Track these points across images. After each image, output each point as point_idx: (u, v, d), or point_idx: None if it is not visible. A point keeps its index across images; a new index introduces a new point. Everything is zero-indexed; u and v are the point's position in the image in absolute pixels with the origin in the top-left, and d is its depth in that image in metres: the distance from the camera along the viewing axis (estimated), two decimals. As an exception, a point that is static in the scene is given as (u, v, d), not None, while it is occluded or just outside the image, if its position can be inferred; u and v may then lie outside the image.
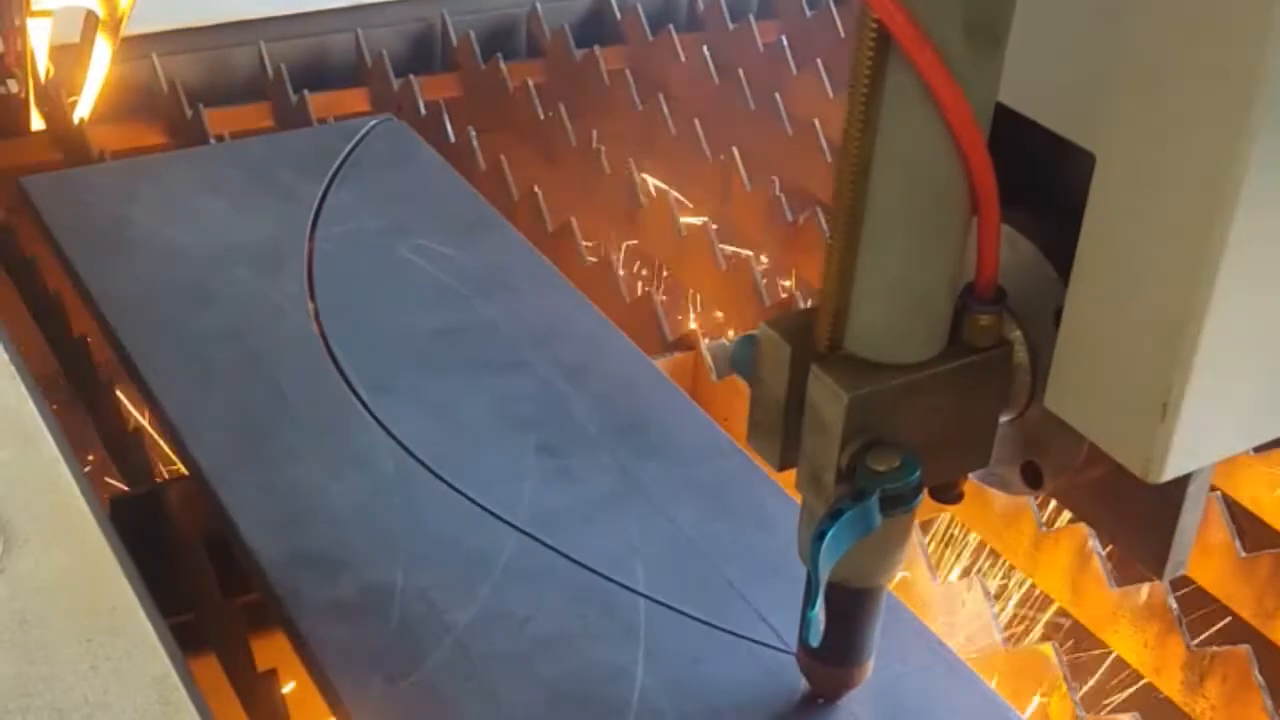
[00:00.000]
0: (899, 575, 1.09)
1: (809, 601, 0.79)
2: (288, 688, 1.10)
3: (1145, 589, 1.16)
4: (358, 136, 1.55)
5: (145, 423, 1.39)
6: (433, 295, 1.34)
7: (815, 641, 0.81)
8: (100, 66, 1.72)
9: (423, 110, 1.85)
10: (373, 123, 1.58)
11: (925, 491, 0.84)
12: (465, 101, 1.97)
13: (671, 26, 2.04)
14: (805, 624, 0.80)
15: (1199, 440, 0.72)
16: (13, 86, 1.74)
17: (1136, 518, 0.81)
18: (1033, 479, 0.83)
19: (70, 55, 1.74)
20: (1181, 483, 0.77)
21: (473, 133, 1.76)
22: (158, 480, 1.22)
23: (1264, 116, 0.63)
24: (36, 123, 1.79)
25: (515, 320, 1.31)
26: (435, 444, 1.15)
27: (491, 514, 1.09)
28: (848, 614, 0.89)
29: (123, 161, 1.60)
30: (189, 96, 1.82)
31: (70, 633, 0.93)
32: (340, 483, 1.12)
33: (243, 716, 1.08)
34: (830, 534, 0.76)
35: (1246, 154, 0.63)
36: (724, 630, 1.02)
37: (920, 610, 1.08)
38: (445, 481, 1.12)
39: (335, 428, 1.17)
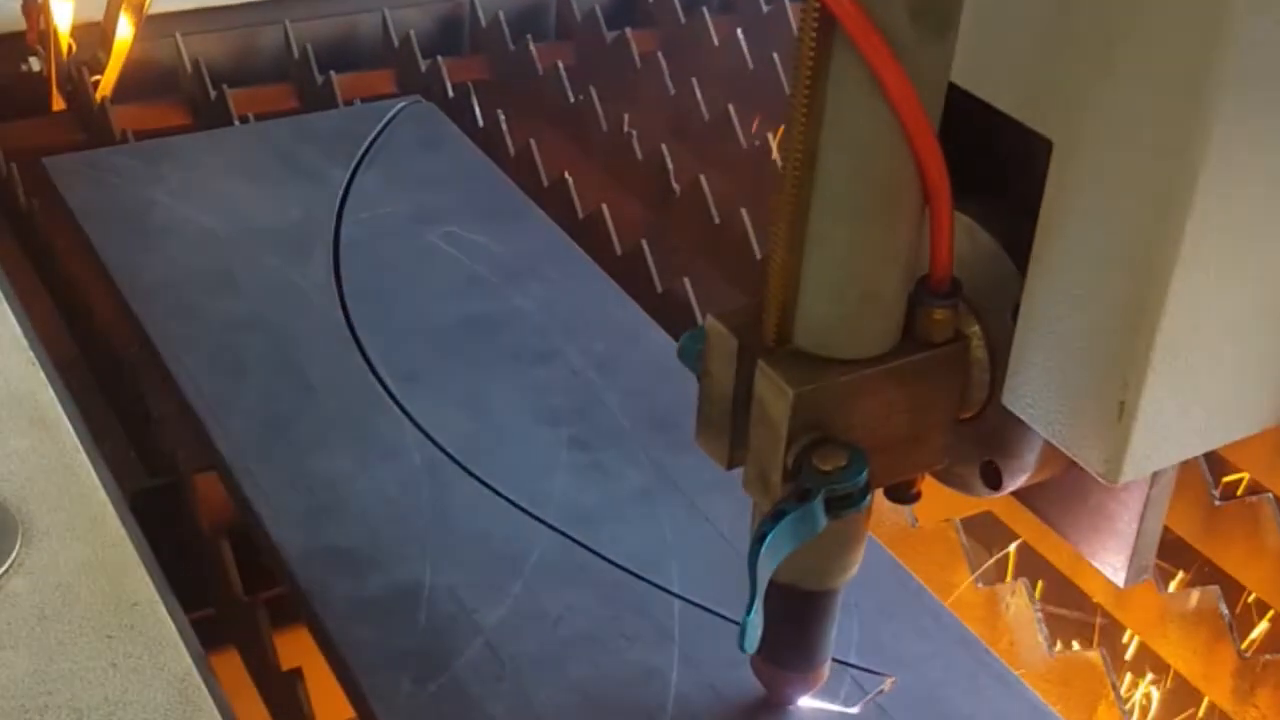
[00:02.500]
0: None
1: (748, 606, 0.76)
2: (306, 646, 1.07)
3: (1195, 594, 1.13)
4: (386, 119, 1.52)
5: (167, 411, 1.36)
6: (462, 283, 1.32)
7: (750, 649, 0.78)
8: (123, 45, 1.70)
9: (450, 92, 1.82)
10: (401, 105, 1.55)
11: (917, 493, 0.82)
12: (493, 84, 1.94)
13: (705, 8, 2.00)
14: (741, 629, 0.76)
15: (1159, 441, 0.69)
16: (35, 65, 1.71)
17: (1098, 521, 0.79)
18: (992, 479, 0.80)
19: (93, 34, 1.72)
20: (1144, 485, 0.75)
21: (501, 116, 1.73)
22: (180, 471, 1.19)
23: (1222, 104, 0.61)
24: (58, 102, 1.76)
25: (546, 310, 1.29)
26: (464, 437, 1.13)
27: (522, 510, 1.07)
28: (802, 618, 0.86)
29: (146, 143, 1.57)
30: (213, 76, 1.80)
31: (90, 629, 0.91)
32: (367, 475, 1.09)
33: (265, 715, 1.06)
34: (771, 536, 0.73)
35: (1205, 143, 0.61)
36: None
37: (963, 615, 1.04)
38: (475, 476, 1.09)
39: (362, 419, 1.15)
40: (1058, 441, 0.72)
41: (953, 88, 0.71)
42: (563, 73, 1.85)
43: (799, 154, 0.69)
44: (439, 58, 1.86)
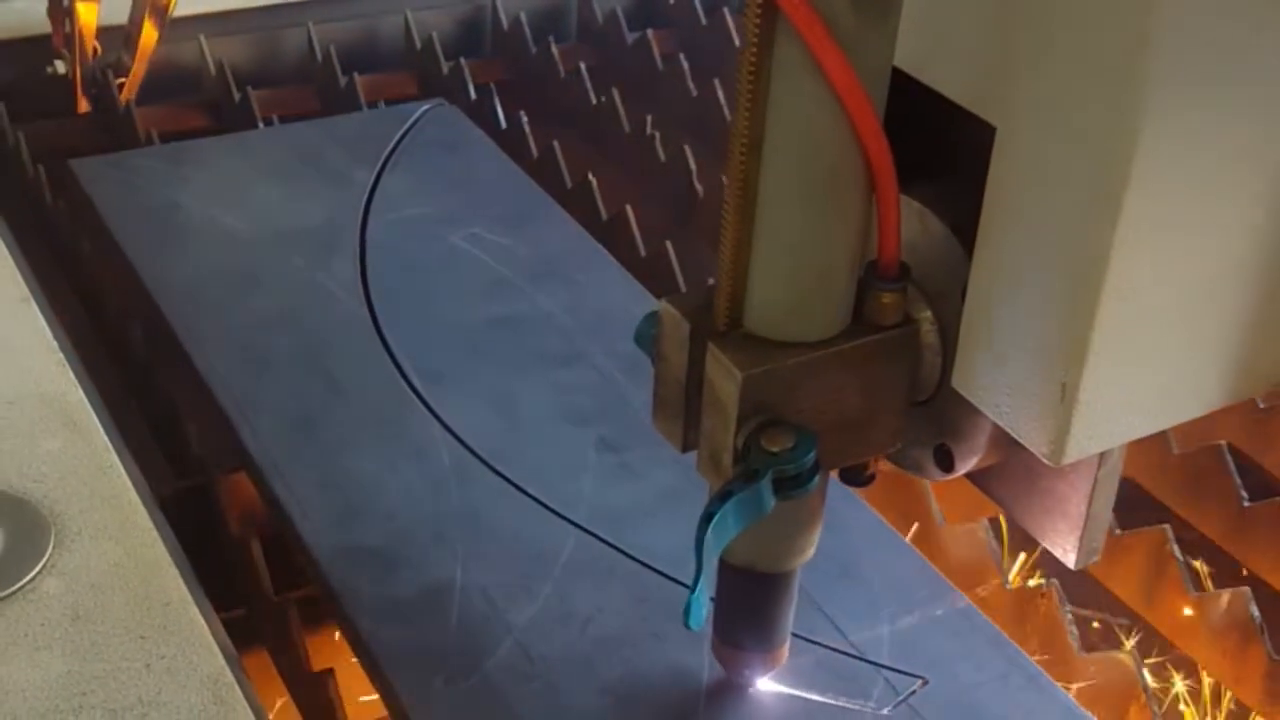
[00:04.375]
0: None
1: (692, 584, 0.77)
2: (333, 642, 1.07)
3: (1225, 596, 1.12)
4: (410, 121, 1.52)
5: (196, 411, 1.36)
6: (487, 284, 1.32)
7: (696, 626, 0.78)
8: (147, 48, 1.70)
9: (473, 95, 1.82)
10: (425, 107, 1.56)
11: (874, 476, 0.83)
12: (515, 86, 1.94)
13: (726, 9, 2.00)
14: (686, 607, 0.77)
15: (1102, 422, 0.70)
16: (61, 68, 1.72)
17: (1049, 503, 0.80)
18: (944, 462, 0.81)
19: (118, 36, 1.72)
20: (1092, 467, 0.76)
21: (524, 118, 1.73)
22: (209, 471, 1.20)
23: (1154, 89, 0.61)
24: (83, 105, 1.76)
25: (572, 311, 1.29)
26: (492, 437, 1.13)
27: (551, 510, 1.07)
28: (760, 600, 0.87)
29: (172, 145, 1.58)
30: (236, 79, 1.80)
31: (123, 629, 0.91)
32: (396, 476, 1.10)
33: (296, 715, 1.06)
34: (718, 516, 0.74)
35: (1137, 129, 0.62)
36: (791, 633, 0.98)
37: (993, 616, 1.04)
38: (504, 476, 1.09)
39: (390, 419, 1.15)
40: (1003, 423, 0.73)
41: (904, 74, 0.72)
42: (584, 75, 1.85)
43: (745, 139, 0.70)
44: (461, 60, 1.86)
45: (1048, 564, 1.28)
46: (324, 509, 1.06)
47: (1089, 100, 0.64)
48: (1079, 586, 1.23)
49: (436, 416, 1.14)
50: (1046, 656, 1.06)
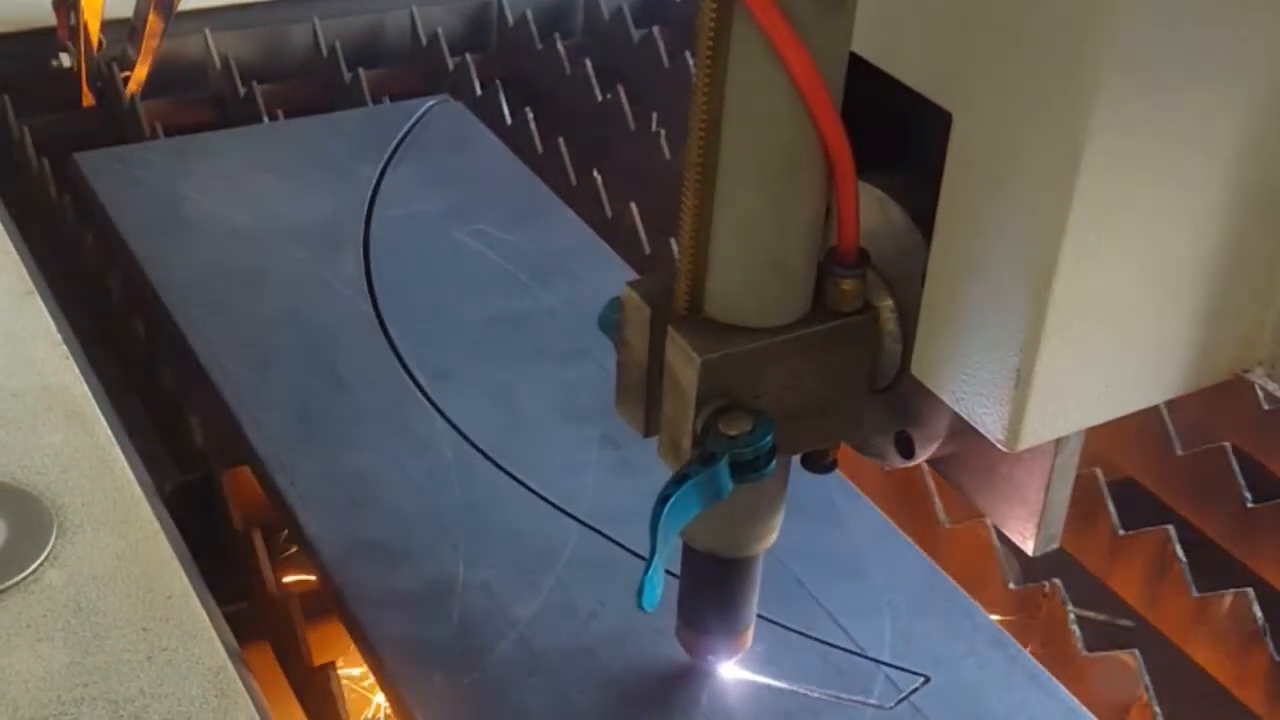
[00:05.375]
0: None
1: (646, 566, 0.77)
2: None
3: (1228, 597, 1.12)
4: (415, 117, 1.52)
5: (199, 405, 1.36)
6: (492, 281, 1.32)
7: (649, 606, 0.78)
8: (153, 41, 1.70)
9: (478, 91, 1.82)
10: (430, 103, 1.55)
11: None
12: (520, 83, 1.94)
13: (731, 8, 2.00)
14: (639, 588, 0.77)
15: (1056, 408, 0.70)
16: (66, 61, 1.72)
17: (1008, 490, 0.80)
18: (905, 449, 0.81)
19: (123, 29, 1.72)
20: (1050, 453, 0.76)
21: (530, 115, 1.73)
22: (211, 465, 1.20)
23: (1106, 77, 0.62)
24: (88, 98, 1.77)
25: (576, 308, 1.29)
26: (495, 433, 1.13)
27: (554, 506, 1.07)
28: (722, 585, 0.88)
29: (176, 139, 1.58)
30: (241, 73, 1.80)
31: (125, 621, 0.92)
32: (399, 470, 1.10)
33: (297, 708, 1.06)
34: (674, 499, 0.74)
35: (1089, 117, 0.62)
36: (792, 630, 0.99)
37: (995, 615, 1.04)
38: (507, 472, 1.09)
39: (394, 414, 1.15)
40: (960, 409, 0.73)
41: (864, 60, 0.72)
42: (590, 72, 1.85)
43: (703, 123, 0.70)
44: (466, 55, 1.86)
45: (1051, 563, 1.28)
46: (327, 503, 1.06)
47: (1041, 87, 0.64)
48: (1082, 586, 1.23)
49: (440, 411, 1.14)
50: (1049, 655, 1.05)
